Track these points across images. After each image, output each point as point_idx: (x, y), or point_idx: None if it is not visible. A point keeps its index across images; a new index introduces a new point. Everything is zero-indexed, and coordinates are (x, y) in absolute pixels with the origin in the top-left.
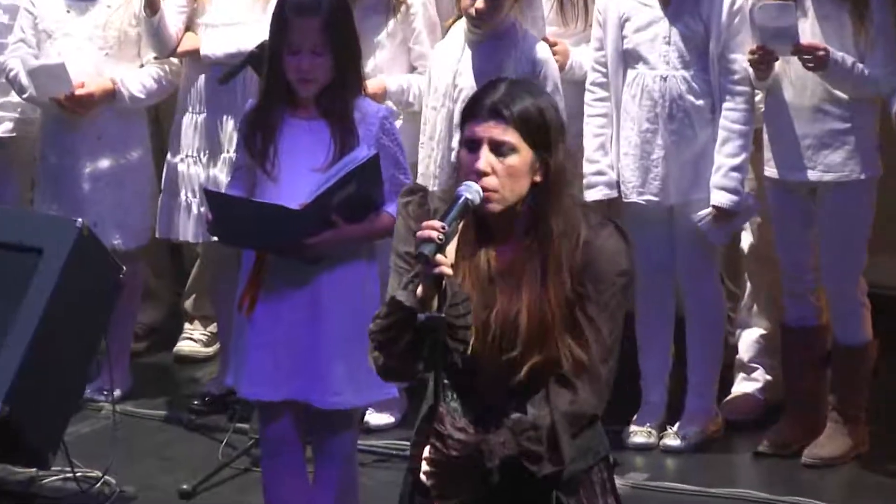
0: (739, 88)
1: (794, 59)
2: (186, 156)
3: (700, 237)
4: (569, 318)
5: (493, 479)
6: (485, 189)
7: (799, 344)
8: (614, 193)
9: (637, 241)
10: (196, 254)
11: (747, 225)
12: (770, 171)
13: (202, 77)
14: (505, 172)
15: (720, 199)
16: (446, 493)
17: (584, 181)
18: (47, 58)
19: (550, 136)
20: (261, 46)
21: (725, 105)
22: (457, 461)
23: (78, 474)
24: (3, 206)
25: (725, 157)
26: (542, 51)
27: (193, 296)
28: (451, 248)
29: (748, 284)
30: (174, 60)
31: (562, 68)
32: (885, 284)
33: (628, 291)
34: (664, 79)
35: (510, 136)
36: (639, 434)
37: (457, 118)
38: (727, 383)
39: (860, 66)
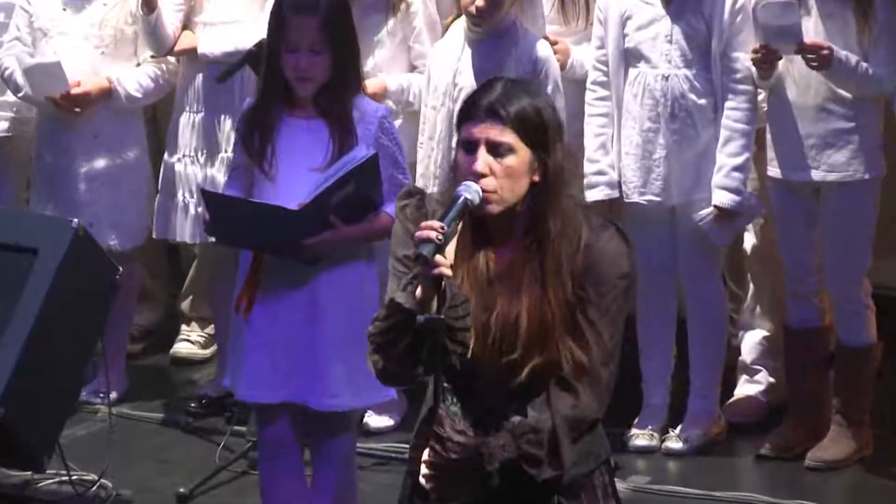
0: (742, 87)
1: (798, 57)
2: (184, 155)
3: (702, 237)
4: (569, 319)
5: (493, 482)
6: (483, 190)
7: (802, 346)
8: (615, 193)
9: (638, 242)
10: (193, 254)
11: (750, 226)
12: (773, 170)
13: (200, 76)
14: (503, 173)
15: (722, 199)
16: (445, 496)
17: (585, 181)
18: (43, 56)
19: (548, 135)
20: (259, 45)
21: (727, 104)
22: (456, 464)
23: (73, 477)
24: None
25: (727, 157)
26: (542, 49)
27: (190, 297)
28: (451, 249)
29: (751, 286)
30: (171, 59)
31: (563, 67)
32: (889, 286)
33: (629, 294)
34: (666, 78)
35: (507, 137)
36: (640, 437)
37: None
38: (730, 385)
39: (864, 64)
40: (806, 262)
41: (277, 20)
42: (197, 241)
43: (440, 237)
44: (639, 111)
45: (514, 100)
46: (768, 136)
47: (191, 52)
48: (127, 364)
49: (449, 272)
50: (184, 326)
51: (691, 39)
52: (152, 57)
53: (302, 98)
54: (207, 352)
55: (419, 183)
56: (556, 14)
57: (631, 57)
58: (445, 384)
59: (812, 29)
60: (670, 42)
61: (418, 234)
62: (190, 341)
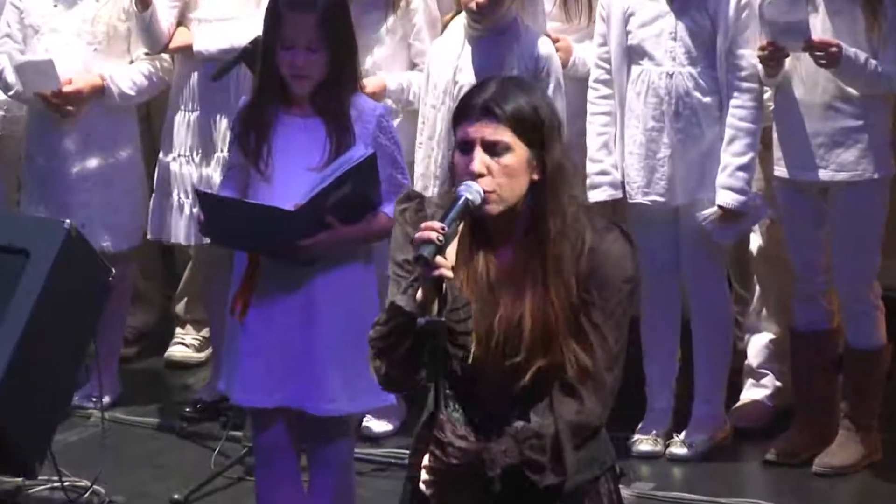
0: (747, 85)
1: (805, 55)
2: (179, 155)
3: (706, 238)
4: (573, 321)
5: (495, 488)
6: (483, 191)
7: (809, 349)
8: (619, 194)
9: (642, 243)
10: (188, 256)
11: (756, 226)
12: (780, 170)
13: (195, 74)
14: (501, 172)
15: (726, 199)
16: (446, 502)
17: (588, 181)
18: (34, 54)
19: (545, 132)
20: (254, 42)
21: (732, 102)
22: (457, 469)
23: (66, 484)
24: None
25: (732, 156)
26: (544, 46)
27: (185, 299)
28: (452, 251)
29: (757, 287)
30: (165, 56)
31: (564, 65)
32: None
33: (634, 298)
34: (670, 76)
35: (503, 135)
36: (644, 442)
37: None
38: (736, 389)
39: (873, 62)
40: (814, 262)
41: (273, 17)
42: (192, 243)
43: (440, 238)
44: (642, 110)
45: (510, 98)
46: (775, 136)
47: (186, 50)
48: (120, 368)
49: (450, 274)
50: (178, 329)
51: (696, 36)
52: (146, 54)
53: (298, 96)
54: (202, 355)
55: (419, 183)
56: (557, 11)
57: (634, 54)
58: (447, 389)
59: (819, 26)
60: (674, 39)
61: (418, 234)
62: (184, 344)
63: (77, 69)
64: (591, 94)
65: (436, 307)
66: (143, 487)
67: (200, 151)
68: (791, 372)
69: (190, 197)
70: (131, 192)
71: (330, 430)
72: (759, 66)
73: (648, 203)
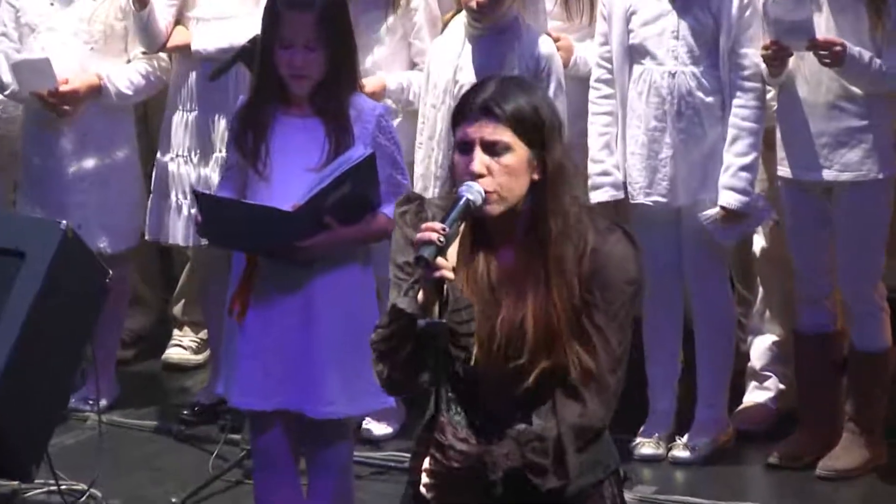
0: (750, 84)
1: (808, 54)
2: (177, 155)
3: (708, 238)
4: (576, 323)
5: (496, 491)
6: (484, 192)
7: (813, 351)
8: (621, 195)
9: (644, 244)
10: (185, 257)
11: (759, 227)
12: (783, 170)
13: (193, 73)
14: (501, 172)
15: (728, 199)
16: None
17: (590, 182)
18: (30, 53)
19: (545, 132)
20: (252, 41)
21: (735, 102)
22: (458, 473)
23: (62, 487)
24: None
25: (735, 157)
26: (545, 46)
27: (183, 301)
28: (453, 252)
29: (760, 289)
30: (163, 56)
31: (565, 64)
32: None
33: (638, 299)
34: (672, 75)
35: (503, 135)
36: (646, 445)
37: None
38: (739, 392)
39: (878, 61)
40: (818, 264)
41: (271, 16)
42: (190, 244)
43: (441, 239)
44: (644, 109)
45: (509, 97)
46: (778, 136)
47: (184, 49)
48: (117, 370)
49: (451, 275)
50: (176, 331)
51: (699, 35)
52: (143, 53)
53: (297, 96)
54: (200, 357)
55: (419, 184)
56: (559, 10)
57: (636, 53)
58: (450, 392)
59: (824, 25)
60: (677, 38)
61: (419, 235)
62: (182, 347)
63: (74, 68)
64: (592, 94)
65: (437, 309)
66: (140, 491)
67: (199, 152)
68: (795, 374)
69: (188, 197)
70: (128, 193)
71: (328, 433)
72: (763, 66)
73: (650, 204)
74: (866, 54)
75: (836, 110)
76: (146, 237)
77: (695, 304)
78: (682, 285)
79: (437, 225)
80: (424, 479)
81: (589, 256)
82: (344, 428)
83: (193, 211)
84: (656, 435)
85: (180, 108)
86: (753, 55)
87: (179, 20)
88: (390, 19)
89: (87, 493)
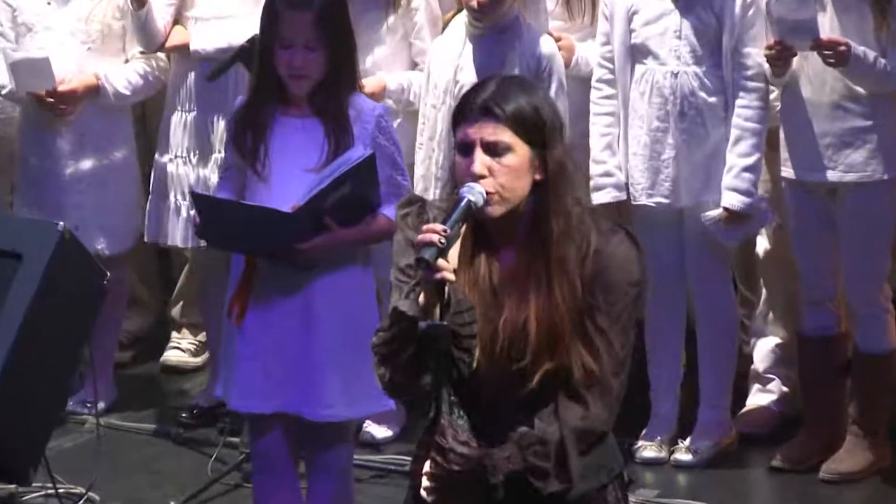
0: (753, 84)
1: (812, 54)
2: (176, 156)
3: (711, 240)
4: (579, 324)
5: (498, 494)
6: (485, 193)
7: (817, 354)
8: (623, 196)
9: (647, 245)
10: (184, 259)
11: (763, 228)
12: (787, 171)
13: (192, 74)
14: (502, 173)
15: (731, 200)
16: None
17: (592, 183)
18: (29, 52)
19: (546, 131)
20: (251, 41)
21: (738, 102)
22: (458, 476)
23: (60, 490)
24: None
25: (738, 157)
26: (546, 45)
27: (181, 303)
28: (454, 254)
29: (763, 291)
30: (161, 56)
31: (567, 64)
32: None
33: (641, 301)
34: (675, 75)
35: (504, 135)
36: (648, 448)
37: None
38: (742, 394)
39: (882, 61)
40: (822, 266)
41: (270, 15)
42: (189, 245)
43: (442, 240)
44: (646, 110)
45: (509, 97)
46: (782, 136)
47: (182, 49)
48: (115, 373)
49: (452, 277)
50: (174, 333)
51: (701, 35)
52: (142, 53)
53: (296, 96)
54: (199, 360)
55: (419, 185)
56: (560, 9)
57: (638, 53)
58: (452, 396)
59: (828, 24)
60: (679, 38)
61: (419, 237)
62: (181, 349)
63: (71, 68)
64: (594, 95)
65: (438, 311)
66: (138, 494)
67: (198, 152)
68: (798, 377)
69: (187, 199)
70: (126, 194)
71: (328, 435)
72: (766, 65)
73: (653, 205)
74: (871, 54)
75: (840, 110)
76: (145, 239)
77: (697, 306)
78: (684, 287)
79: (438, 226)
80: (425, 482)
81: (592, 258)
82: (344, 431)
83: (192, 212)
84: (658, 438)
85: (179, 108)
86: (756, 55)
87: (178, 20)
88: (391, 19)
89: (86, 497)
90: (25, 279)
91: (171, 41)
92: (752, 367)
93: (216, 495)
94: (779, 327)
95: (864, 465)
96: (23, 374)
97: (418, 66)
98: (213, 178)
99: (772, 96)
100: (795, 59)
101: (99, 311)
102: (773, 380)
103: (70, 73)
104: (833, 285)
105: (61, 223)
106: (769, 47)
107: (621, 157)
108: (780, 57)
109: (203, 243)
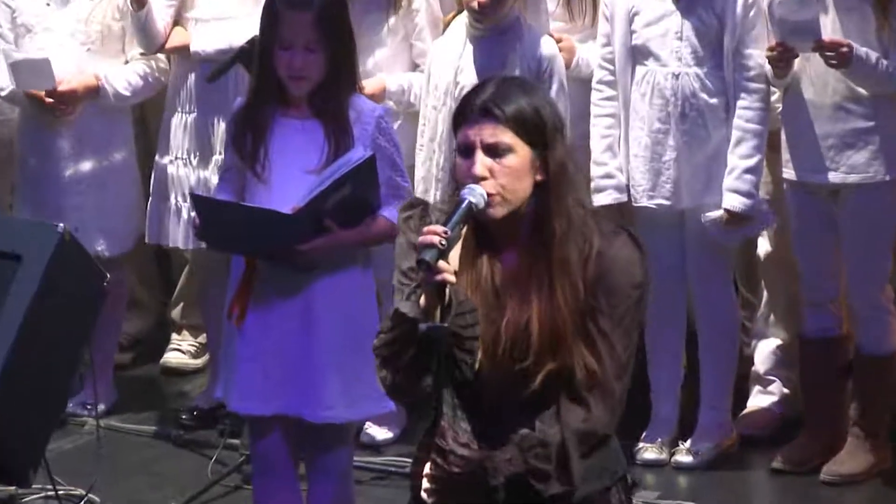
0: (754, 86)
1: (814, 55)
2: (176, 157)
3: (712, 241)
4: (581, 325)
5: (498, 497)
6: (486, 194)
7: (818, 356)
8: (624, 197)
9: (647, 247)
10: (184, 260)
11: (763, 231)
12: (788, 172)
13: (192, 75)
14: (503, 174)
15: (733, 202)
16: None
17: (592, 185)
18: (30, 52)
19: (547, 131)
20: (251, 42)
21: (739, 103)
22: (459, 478)
23: (60, 492)
24: None
25: (739, 159)
26: (547, 46)
27: (181, 305)
28: (455, 255)
29: (765, 292)
30: (161, 57)
31: (567, 66)
32: None
33: (643, 304)
34: (676, 76)
35: (504, 136)
36: (649, 450)
37: None
38: (743, 396)
39: (885, 62)
40: (823, 267)
41: (270, 16)
42: (190, 247)
43: (443, 242)
44: (647, 111)
45: (509, 97)
46: (783, 138)
47: (182, 50)
48: (115, 375)
49: (453, 278)
50: (174, 335)
51: (703, 36)
52: (142, 54)
53: (296, 97)
54: (199, 361)
55: (419, 187)
56: (561, 11)
57: (639, 55)
58: (455, 398)
59: (829, 26)
60: (680, 39)
61: (420, 239)
62: (181, 351)
63: (71, 69)
64: (594, 96)
65: (439, 313)
66: (138, 496)
67: (198, 154)
68: (799, 379)
69: (188, 201)
70: (126, 195)
71: (328, 437)
72: (767, 66)
73: (654, 207)
74: (873, 55)
75: (842, 112)
76: (147, 241)
77: (698, 308)
78: (685, 289)
79: (439, 228)
80: (425, 484)
81: (594, 260)
82: (344, 433)
83: (193, 214)
84: (659, 440)
85: (179, 109)
86: (758, 56)
87: (178, 21)
88: (392, 20)
89: (85, 499)
90: (25, 281)
91: (172, 42)
92: (753, 368)
93: (216, 497)
94: (780, 329)
95: (865, 466)
96: (23, 375)
97: (419, 67)
98: (214, 180)
99: (773, 98)
100: (797, 61)
101: (99, 313)
102: (773, 381)
103: (69, 74)
104: (834, 287)
105: (61, 225)
106: (771, 48)
107: (622, 159)
108: (782, 58)
109: (203, 245)
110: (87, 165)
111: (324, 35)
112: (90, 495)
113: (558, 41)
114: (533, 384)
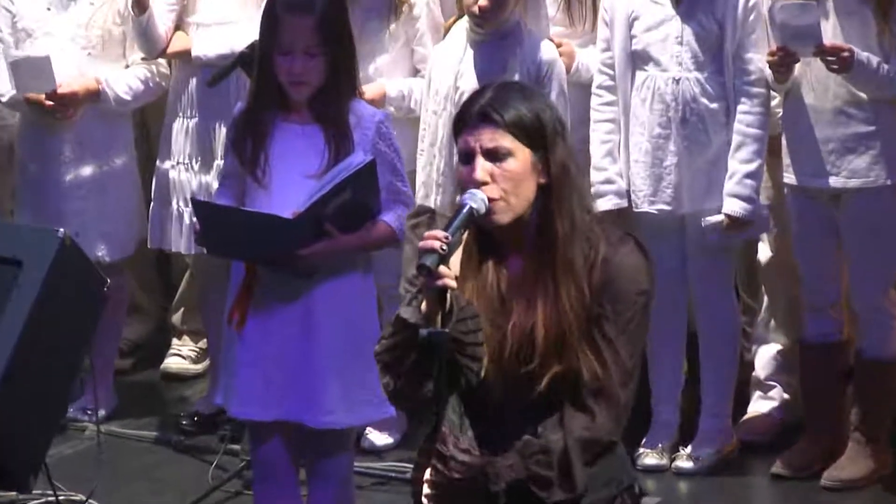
0: (755, 90)
1: (815, 60)
2: (178, 162)
3: (713, 246)
4: (587, 331)
5: (499, 503)
6: (488, 198)
7: (819, 361)
8: (624, 203)
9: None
10: (185, 265)
11: (764, 235)
12: (789, 177)
13: (193, 80)
14: (504, 178)
15: (733, 207)
16: None
17: (593, 190)
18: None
19: (547, 133)
20: (251, 47)
21: (740, 108)
22: (459, 484)
23: (61, 498)
24: None
25: (739, 163)
26: (547, 51)
27: (182, 310)
28: (456, 260)
29: (765, 298)
30: (162, 61)
31: (567, 70)
32: None
33: (649, 311)
34: (677, 81)
35: (503, 140)
36: (649, 455)
37: None
38: (743, 401)
39: (885, 66)
40: (824, 272)
41: (270, 20)
42: (192, 252)
43: (444, 247)
44: (648, 116)
45: (506, 101)
46: (784, 142)
47: (184, 55)
48: (116, 380)
49: (453, 283)
50: (175, 340)
51: (703, 41)
52: (143, 59)
53: (296, 102)
54: (199, 367)
55: (420, 192)
56: (561, 15)
57: (638, 59)
58: (462, 407)
59: (830, 31)
60: (681, 44)
61: (421, 244)
62: (181, 356)
63: (71, 74)
64: (594, 101)
65: (440, 318)
66: (139, 501)
67: (199, 159)
68: (800, 384)
69: (189, 206)
70: (126, 200)
71: (329, 443)
72: (768, 71)
73: (655, 212)
74: (874, 60)
75: (843, 116)
76: (149, 246)
77: (699, 313)
78: (686, 294)
79: (440, 233)
80: (426, 489)
81: (600, 267)
82: (344, 438)
83: (195, 219)
84: (660, 445)
85: (180, 114)
86: (758, 60)
87: (179, 25)
88: (392, 26)
89: None
90: (26, 286)
91: (173, 47)
92: (754, 374)
93: (217, 503)
94: (780, 334)
95: (866, 472)
96: (23, 381)
97: (420, 72)
98: (215, 185)
99: (773, 103)
100: (798, 66)
101: (99, 318)
102: (774, 387)
103: (70, 78)
104: (835, 291)
105: (62, 230)
106: (772, 53)
107: (622, 164)
108: (783, 63)
109: (204, 249)
110: (87, 170)
111: (324, 40)
112: (91, 501)
113: (558, 46)
114: (539, 387)
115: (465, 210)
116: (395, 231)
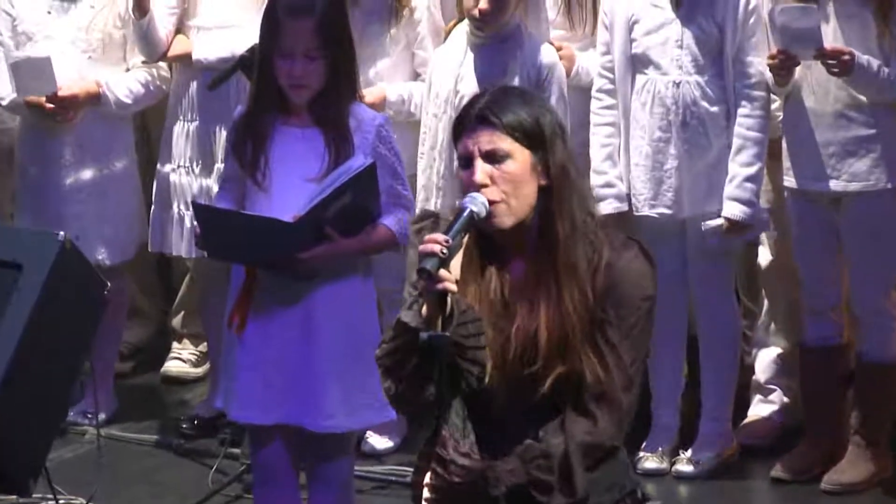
0: (755, 93)
1: (815, 63)
2: (178, 166)
3: (713, 250)
4: (590, 335)
5: None
6: (489, 201)
7: (819, 364)
8: (625, 206)
9: None
10: (185, 269)
11: (765, 239)
12: (789, 181)
13: (194, 83)
14: (504, 180)
15: (733, 210)
16: None
17: (593, 194)
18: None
19: (545, 134)
20: (251, 50)
21: (740, 111)
22: (459, 488)
23: (61, 501)
24: None
25: (740, 167)
26: (547, 55)
27: (182, 313)
28: (456, 264)
29: (765, 301)
30: (163, 65)
31: (567, 74)
32: None
33: (652, 316)
34: (677, 84)
35: (502, 142)
36: (649, 459)
37: None
38: (743, 405)
39: (886, 70)
40: (824, 276)
41: (270, 23)
42: (193, 255)
43: (444, 251)
44: (648, 120)
45: (505, 104)
46: (784, 146)
47: (184, 58)
48: (116, 383)
49: (454, 287)
50: (175, 344)
51: (703, 44)
52: (143, 62)
53: (296, 105)
54: (199, 370)
55: (420, 195)
56: (561, 19)
57: (639, 63)
58: (465, 411)
59: (831, 34)
60: (681, 47)
61: (421, 247)
62: (181, 359)
63: (72, 77)
64: (594, 105)
65: (441, 322)
66: None
67: (200, 162)
68: (800, 387)
69: (190, 209)
70: (126, 204)
71: (329, 447)
72: (768, 74)
73: (655, 216)
74: (874, 63)
75: (843, 119)
76: (150, 249)
77: (700, 319)
78: (686, 297)
79: (440, 237)
80: (426, 493)
81: (603, 271)
82: (345, 442)
83: (195, 223)
84: (660, 449)
85: (181, 118)
86: (758, 63)
87: (180, 29)
88: (393, 30)
89: None
90: (26, 289)
91: (174, 50)
92: (754, 377)
93: None
94: (780, 338)
95: (866, 475)
96: (23, 384)
97: (420, 76)
98: (216, 188)
99: (774, 106)
100: (798, 69)
101: (99, 322)
102: (774, 390)
103: (71, 81)
104: (835, 294)
105: (62, 233)
106: (772, 56)
107: (622, 168)
108: (784, 66)
109: (205, 253)
110: (87, 174)
111: (324, 43)
112: None
113: (558, 49)
114: (542, 388)
115: (465, 213)
116: (396, 234)
